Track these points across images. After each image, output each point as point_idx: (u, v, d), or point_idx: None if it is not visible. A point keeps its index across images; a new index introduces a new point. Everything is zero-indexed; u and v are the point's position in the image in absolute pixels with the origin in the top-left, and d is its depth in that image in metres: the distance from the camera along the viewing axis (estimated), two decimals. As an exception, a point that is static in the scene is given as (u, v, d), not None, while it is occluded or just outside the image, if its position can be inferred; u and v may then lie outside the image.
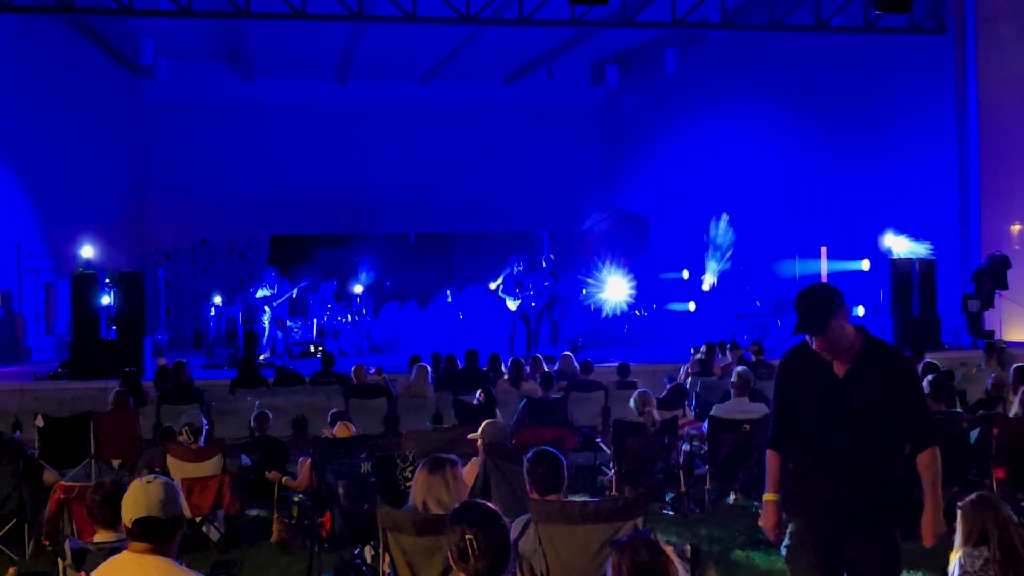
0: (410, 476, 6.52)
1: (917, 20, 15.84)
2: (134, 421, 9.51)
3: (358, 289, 19.24)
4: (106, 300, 14.63)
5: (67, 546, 4.34)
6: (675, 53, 19.01)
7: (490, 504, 3.34)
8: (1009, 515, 4.36)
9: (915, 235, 16.36)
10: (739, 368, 9.58)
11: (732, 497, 8.75)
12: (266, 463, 8.54)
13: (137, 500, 3.44)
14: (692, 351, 12.70)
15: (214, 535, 7.64)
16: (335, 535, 7.07)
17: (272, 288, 17.04)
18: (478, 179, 22.15)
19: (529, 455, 5.06)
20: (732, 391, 9.16)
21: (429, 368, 11.47)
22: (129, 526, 3.45)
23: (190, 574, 3.41)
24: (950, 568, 4.42)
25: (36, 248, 17.64)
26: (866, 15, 15.65)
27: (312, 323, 18.02)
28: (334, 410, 9.33)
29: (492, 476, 6.03)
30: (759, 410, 8.75)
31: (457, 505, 3.48)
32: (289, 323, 17.37)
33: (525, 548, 4.89)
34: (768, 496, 4.29)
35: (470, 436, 6.50)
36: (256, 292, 17.07)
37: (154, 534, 3.41)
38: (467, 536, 3.11)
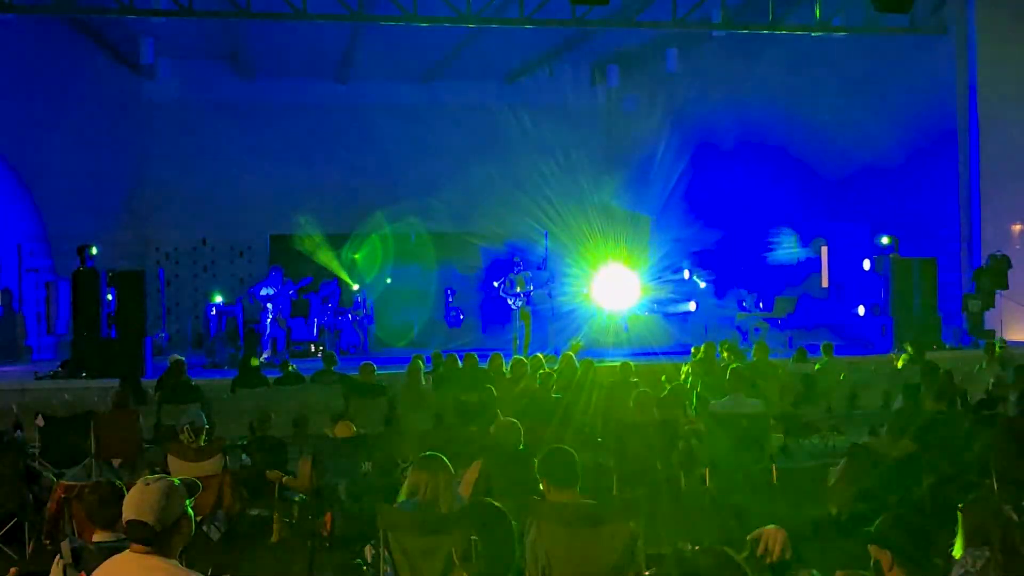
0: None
1: (917, 20, 15.84)
2: (134, 421, 9.50)
3: (357, 288, 19.22)
4: (107, 299, 14.63)
5: (66, 546, 4.32)
6: (676, 53, 19.00)
7: (495, 504, 3.34)
8: (1010, 515, 4.36)
9: (915, 235, 16.36)
10: (735, 366, 9.62)
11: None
12: (266, 463, 8.53)
13: (130, 502, 3.43)
14: (692, 351, 12.69)
15: (214, 535, 7.63)
16: (335, 535, 7.06)
17: (276, 287, 17.03)
18: (478, 179, 22.11)
19: (545, 453, 5.01)
20: (730, 388, 9.18)
21: (423, 369, 11.44)
22: (125, 525, 3.45)
23: (190, 574, 3.40)
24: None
25: (36, 248, 17.64)
26: (866, 15, 15.64)
27: (312, 323, 18.00)
28: (335, 410, 9.32)
29: (495, 477, 6.02)
30: (756, 406, 8.80)
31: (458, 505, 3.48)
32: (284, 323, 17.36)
33: (526, 548, 4.89)
34: None
35: (491, 430, 6.49)
36: (260, 290, 17.06)
37: (145, 537, 3.40)
38: (470, 536, 3.11)
